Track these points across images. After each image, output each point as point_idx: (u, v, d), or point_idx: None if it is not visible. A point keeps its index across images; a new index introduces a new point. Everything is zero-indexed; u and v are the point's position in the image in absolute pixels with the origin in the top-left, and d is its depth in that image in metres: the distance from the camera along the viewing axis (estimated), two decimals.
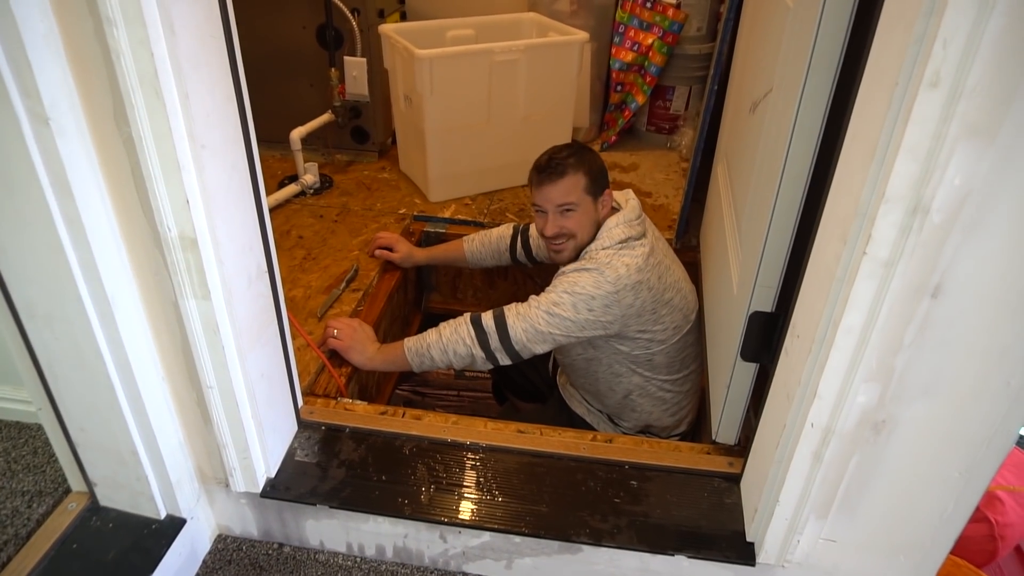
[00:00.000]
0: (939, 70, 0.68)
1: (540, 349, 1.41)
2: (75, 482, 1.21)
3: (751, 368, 1.20)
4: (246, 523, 1.32)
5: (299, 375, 1.35)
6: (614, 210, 1.48)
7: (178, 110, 0.87)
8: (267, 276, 1.15)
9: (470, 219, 2.11)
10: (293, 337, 1.28)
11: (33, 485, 1.25)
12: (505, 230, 1.80)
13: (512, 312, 1.40)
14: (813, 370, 0.92)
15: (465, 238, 1.84)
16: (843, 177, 0.86)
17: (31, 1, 0.78)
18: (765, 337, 1.15)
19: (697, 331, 1.56)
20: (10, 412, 1.40)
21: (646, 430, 1.62)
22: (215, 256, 0.98)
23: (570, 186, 1.40)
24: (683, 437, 1.65)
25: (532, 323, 1.37)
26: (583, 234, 1.44)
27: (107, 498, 1.20)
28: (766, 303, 1.13)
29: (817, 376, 0.91)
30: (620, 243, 1.39)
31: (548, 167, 1.42)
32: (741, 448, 1.30)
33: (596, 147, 2.63)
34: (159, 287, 1.02)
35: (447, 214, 2.13)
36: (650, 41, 2.42)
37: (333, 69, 2.20)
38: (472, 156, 2.18)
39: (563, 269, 1.43)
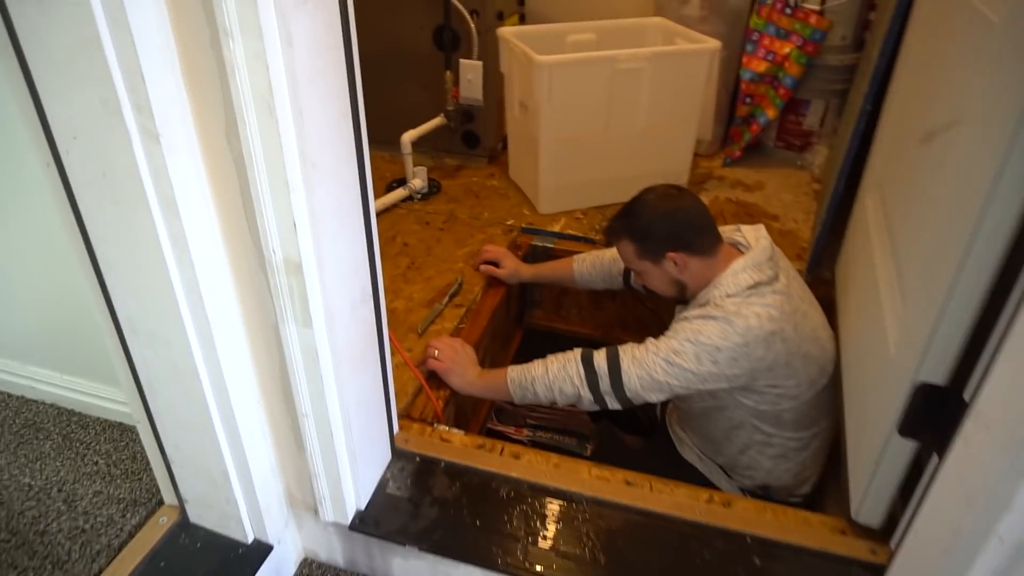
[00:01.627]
0: None
1: (655, 398, 1.27)
2: (168, 495, 1.19)
3: (908, 445, 1.03)
4: (332, 551, 1.27)
5: (395, 396, 1.28)
6: (740, 250, 1.33)
7: (291, 127, 0.80)
8: (371, 300, 1.08)
9: (580, 235, 2.00)
10: (392, 355, 1.20)
11: (129, 493, 1.24)
12: None
13: (628, 355, 1.27)
14: (1008, 475, 0.75)
15: (576, 258, 1.73)
16: None
17: (149, 10, 0.73)
18: (932, 414, 0.97)
19: (833, 385, 1.37)
20: (114, 412, 1.41)
21: (764, 488, 1.45)
22: (319, 281, 0.92)
23: (622, 253, 1.38)
24: (805, 499, 1.47)
25: (649, 370, 1.24)
26: (662, 291, 1.39)
27: (197, 516, 1.17)
28: (937, 374, 0.96)
29: (1012, 484, 0.74)
30: (749, 289, 1.24)
31: (605, 230, 1.41)
32: (884, 532, 1.12)
33: (718, 162, 2.45)
34: (261, 310, 0.96)
35: (557, 228, 2.03)
36: (787, 50, 2.22)
37: (448, 71, 2.14)
38: (586, 168, 2.06)
39: (685, 314, 1.28)
